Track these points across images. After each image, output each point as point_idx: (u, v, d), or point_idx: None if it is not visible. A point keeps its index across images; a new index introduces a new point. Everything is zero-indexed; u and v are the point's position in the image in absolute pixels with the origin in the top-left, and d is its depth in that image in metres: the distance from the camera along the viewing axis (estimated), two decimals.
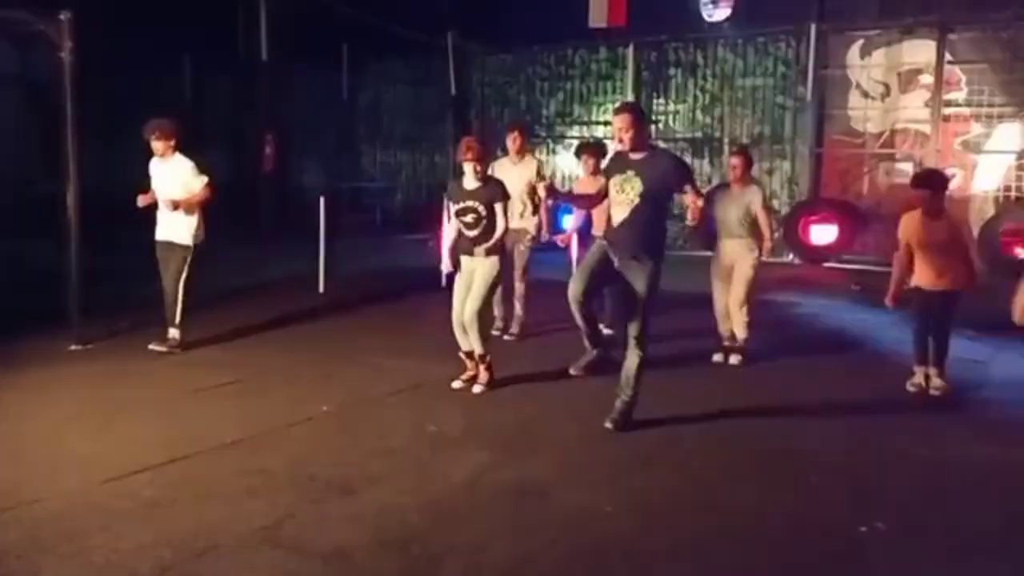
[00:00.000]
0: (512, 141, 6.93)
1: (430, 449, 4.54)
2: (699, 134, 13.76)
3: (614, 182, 4.69)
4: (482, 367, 5.58)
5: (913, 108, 12.42)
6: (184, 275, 6.38)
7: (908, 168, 12.52)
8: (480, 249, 5.47)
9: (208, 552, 3.32)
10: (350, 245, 10.34)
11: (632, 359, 4.71)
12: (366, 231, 14.56)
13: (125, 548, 3.33)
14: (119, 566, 3.20)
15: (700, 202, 4.60)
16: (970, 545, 3.54)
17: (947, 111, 12.03)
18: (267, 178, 13.89)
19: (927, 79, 12.19)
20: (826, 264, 12.20)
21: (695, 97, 13.81)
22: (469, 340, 5.55)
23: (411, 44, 14.48)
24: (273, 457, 4.35)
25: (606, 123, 14.51)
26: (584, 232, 7.76)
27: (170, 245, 6.40)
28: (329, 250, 9.37)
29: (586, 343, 5.01)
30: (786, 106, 13.16)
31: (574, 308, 4.78)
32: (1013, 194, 11.72)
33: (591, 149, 7.09)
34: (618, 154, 4.78)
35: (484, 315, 5.60)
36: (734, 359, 6.21)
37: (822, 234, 12.41)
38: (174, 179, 6.36)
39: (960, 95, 12.04)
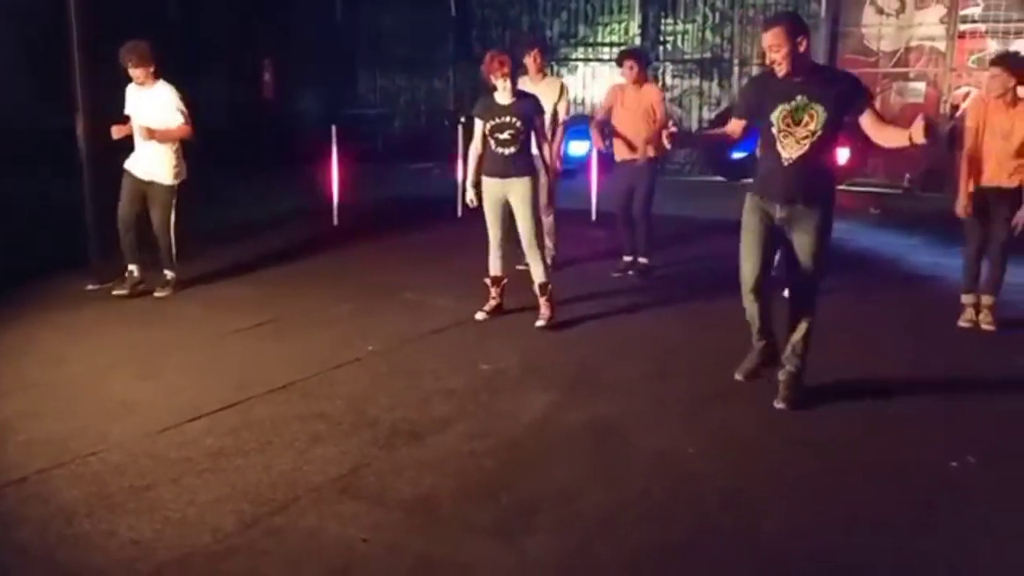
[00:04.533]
0: (532, 60, 6.52)
1: (489, 390, 4.39)
2: (708, 55, 13.34)
3: (780, 112, 3.83)
4: (543, 299, 5.37)
5: (928, 25, 12.06)
6: (172, 217, 6.05)
7: (921, 87, 12.28)
8: (517, 168, 5.22)
9: (289, 505, 3.18)
10: (353, 174, 9.99)
11: (799, 326, 4.04)
12: (367, 159, 14.14)
13: (201, 501, 3.19)
14: (199, 522, 3.05)
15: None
16: None
17: (962, 27, 11.70)
18: (266, 106, 13.36)
19: None
20: (839, 187, 12.03)
21: (704, 16, 13.34)
22: (531, 269, 5.36)
23: None
24: (329, 401, 4.19)
25: (611, 44, 14.05)
26: (606, 157, 7.46)
27: (150, 185, 6.01)
28: (331, 181, 9.03)
29: (755, 340, 4.21)
30: None
31: (749, 301, 4.06)
32: None
33: (635, 55, 6.64)
34: (770, 77, 3.90)
35: (541, 236, 5.37)
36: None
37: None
38: (155, 108, 5.89)
39: (976, 11, 11.69)
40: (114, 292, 6.07)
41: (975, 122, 5.34)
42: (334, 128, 9.03)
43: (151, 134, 5.81)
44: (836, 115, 3.79)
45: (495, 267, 5.49)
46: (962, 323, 5.49)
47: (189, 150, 6.11)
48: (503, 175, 5.27)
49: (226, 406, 4.11)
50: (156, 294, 6.10)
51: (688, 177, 12.85)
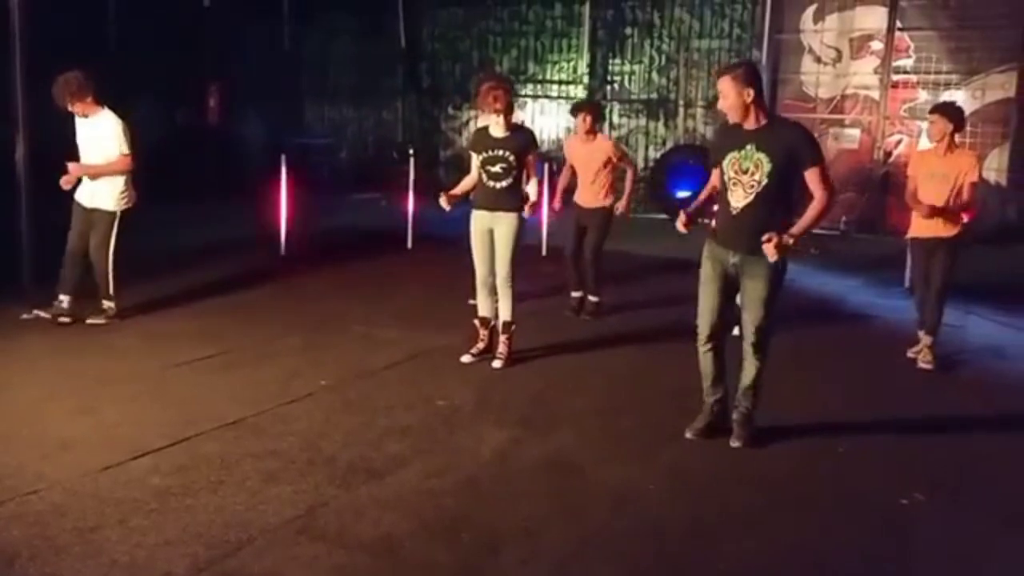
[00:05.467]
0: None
1: (446, 426, 4.34)
2: (654, 95, 13.66)
3: (730, 159, 3.94)
4: (503, 337, 5.33)
5: (863, 74, 12.59)
6: (111, 245, 5.86)
7: (856, 134, 12.79)
8: (505, 202, 5.17)
9: (244, 547, 3.07)
10: (301, 204, 9.86)
11: (751, 368, 4.08)
12: (314, 189, 14.00)
13: (150, 544, 3.06)
14: (148, 566, 2.92)
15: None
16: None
17: (895, 78, 12.25)
18: (211, 132, 13.13)
19: (877, 45, 12.37)
20: None
21: (651, 58, 13.68)
22: (497, 306, 5.32)
23: None
24: (283, 438, 4.08)
25: (560, 82, 14.31)
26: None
27: (95, 213, 5.85)
28: (280, 209, 8.90)
29: (706, 395, 4.22)
30: None
31: (704, 352, 4.12)
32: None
33: (590, 107, 6.76)
34: (730, 126, 3.99)
35: (515, 277, 5.28)
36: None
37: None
38: (100, 139, 5.75)
39: (908, 62, 12.27)
40: (35, 312, 5.85)
41: (914, 171, 5.65)
42: (283, 156, 8.95)
43: (86, 171, 5.70)
44: (783, 167, 3.82)
45: (484, 308, 5.40)
46: (910, 354, 5.72)
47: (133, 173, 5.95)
48: (492, 208, 5.22)
49: (172, 443, 3.97)
50: (88, 320, 5.87)
51: (633, 214, 13.05)
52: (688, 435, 4.21)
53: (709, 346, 4.14)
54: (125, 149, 5.76)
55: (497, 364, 5.30)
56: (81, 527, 3.16)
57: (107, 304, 5.98)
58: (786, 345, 6.03)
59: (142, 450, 3.85)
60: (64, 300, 5.89)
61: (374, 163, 15.19)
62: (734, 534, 3.31)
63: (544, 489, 3.64)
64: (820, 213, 3.84)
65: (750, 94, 3.82)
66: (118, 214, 5.86)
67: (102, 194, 5.84)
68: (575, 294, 6.81)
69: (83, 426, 4.16)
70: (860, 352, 6.08)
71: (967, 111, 11.74)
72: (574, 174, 6.75)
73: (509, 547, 3.13)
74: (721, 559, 3.12)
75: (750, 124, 3.89)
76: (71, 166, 5.73)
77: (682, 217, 4.11)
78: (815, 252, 10.41)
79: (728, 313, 4.18)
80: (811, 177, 3.85)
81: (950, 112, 5.54)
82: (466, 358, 5.38)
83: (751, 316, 4.04)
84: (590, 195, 6.57)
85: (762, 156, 3.83)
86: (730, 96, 3.83)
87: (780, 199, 3.91)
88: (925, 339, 5.65)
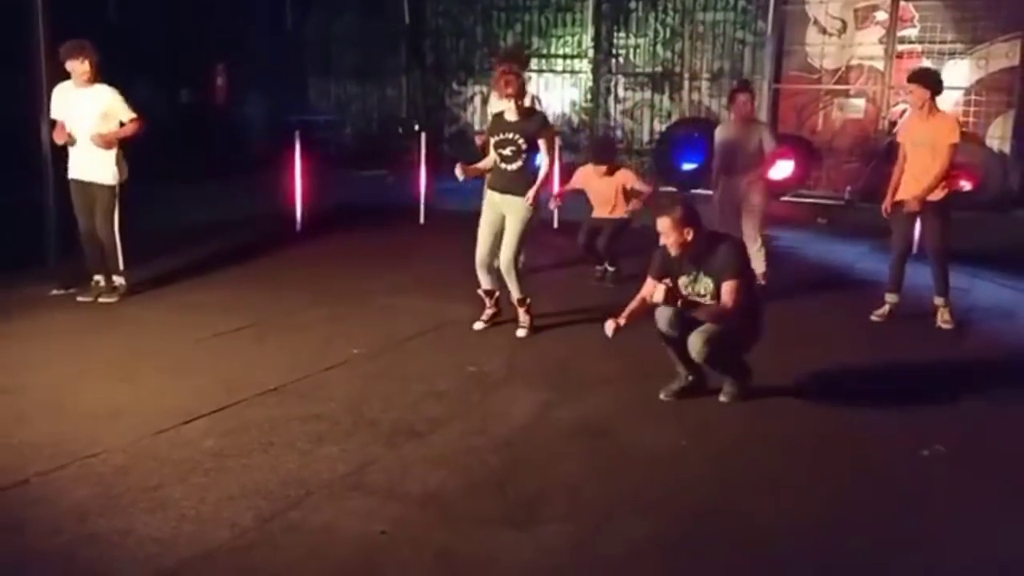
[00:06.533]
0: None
1: (479, 390, 4.50)
2: (659, 69, 13.70)
3: (683, 282, 4.28)
4: (522, 310, 5.47)
5: (868, 44, 12.63)
6: (116, 219, 5.84)
7: (861, 104, 12.87)
8: (516, 186, 5.28)
9: (303, 501, 3.23)
10: (308, 181, 9.94)
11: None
12: (319, 166, 14.07)
13: (213, 499, 3.21)
14: (215, 519, 3.08)
15: None
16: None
17: (900, 48, 12.30)
18: (218, 111, 13.17)
19: (882, 15, 12.41)
20: (782, 199, 12.50)
21: (656, 31, 13.69)
22: (504, 284, 5.44)
23: None
24: (324, 403, 4.23)
25: (565, 56, 14.34)
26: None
27: (93, 187, 5.83)
28: (289, 186, 9.00)
29: (679, 369, 4.46)
30: (746, 41, 13.22)
31: (669, 340, 4.32)
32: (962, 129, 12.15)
33: (605, 148, 7.15)
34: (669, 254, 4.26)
35: (519, 260, 5.40)
36: None
37: (779, 169, 12.63)
38: (94, 110, 5.69)
39: (913, 32, 12.32)
40: (79, 299, 5.96)
41: (902, 138, 5.86)
42: (297, 133, 9.03)
43: (102, 139, 5.66)
44: (718, 282, 4.14)
45: (485, 281, 5.53)
46: (874, 317, 5.90)
47: (135, 153, 5.97)
48: (503, 190, 5.35)
49: (219, 408, 4.12)
50: (101, 300, 5.91)
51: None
52: (662, 396, 4.38)
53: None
54: (133, 114, 5.77)
55: (521, 333, 5.44)
56: (144, 486, 3.31)
57: (118, 280, 6.01)
58: (800, 310, 6.21)
59: (191, 415, 4.01)
60: (100, 279, 6.00)
61: (379, 140, 15.24)
62: (764, 492, 3.47)
63: (579, 449, 3.80)
64: (719, 310, 4.08)
65: (690, 233, 4.11)
66: (117, 187, 5.84)
67: (99, 168, 5.78)
68: (599, 267, 6.96)
69: (128, 395, 4.30)
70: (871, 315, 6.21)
71: (971, 80, 12.03)
72: (580, 191, 6.92)
73: (552, 502, 3.29)
74: (755, 515, 3.27)
75: (688, 255, 4.19)
76: (100, 135, 5.65)
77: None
78: (822, 221, 10.55)
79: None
80: (725, 288, 4.09)
81: (926, 79, 5.69)
82: (478, 325, 5.53)
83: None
84: (606, 212, 6.78)
85: (709, 280, 4.17)
86: (672, 235, 4.13)
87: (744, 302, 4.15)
88: (937, 300, 5.81)
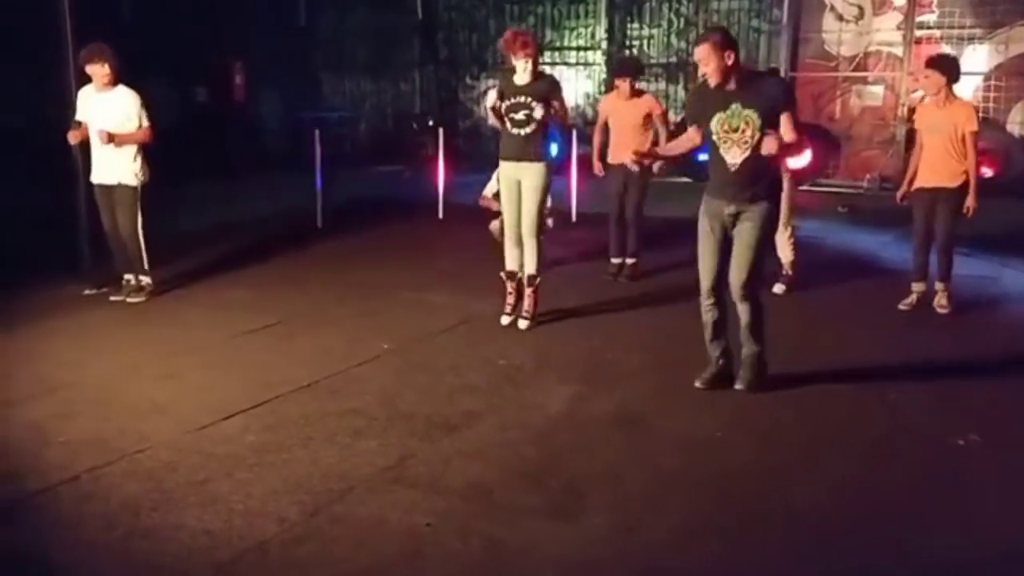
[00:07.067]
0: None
1: (511, 383, 4.54)
2: (673, 59, 13.69)
3: (718, 120, 4.08)
4: (528, 291, 5.42)
5: (886, 31, 12.58)
6: (139, 220, 5.91)
7: (880, 91, 12.81)
8: (531, 152, 5.23)
9: (346, 494, 3.29)
10: (325, 177, 10.00)
11: (745, 312, 4.24)
12: (334, 162, 14.13)
13: (259, 494, 3.28)
14: (263, 512, 3.14)
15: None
16: None
17: (918, 33, 12.23)
18: (237, 109, 13.25)
19: (900, 1, 12.33)
20: (800, 187, 12.44)
21: (669, 21, 13.70)
22: (523, 258, 5.42)
23: None
24: (359, 397, 4.29)
25: (578, 48, 14.34)
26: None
27: (115, 189, 5.90)
28: (308, 182, 9.07)
29: (710, 351, 4.40)
30: (761, 29, 13.19)
31: (706, 307, 4.29)
32: (980, 115, 12.07)
33: (627, 69, 6.73)
34: (707, 88, 4.12)
35: (542, 229, 5.36)
36: (778, 288, 6.28)
37: (797, 158, 12.58)
38: (114, 111, 5.78)
39: (931, 17, 12.25)
40: (111, 298, 6.05)
41: (919, 124, 5.89)
42: (316, 131, 9.10)
43: (111, 138, 5.72)
44: (770, 118, 4.03)
45: (511, 260, 5.48)
46: (902, 306, 5.93)
47: (154, 152, 6.03)
48: (517, 158, 5.28)
49: (257, 404, 4.18)
50: (129, 300, 5.99)
51: (655, 179, 13.15)
52: (697, 384, 4.38)
53: (712, 300, 4.31)
54: (147, 122, 5.84)
55: (523, 325, 5.41)
56: (192, 480, 3.38)
57: (144, 280, 6.09)
58: (827, 299, 6.23)
59: (230, 411, 4.07)
60: (130, 279, 6.09)
61: (393, 135, 15.29)
62: (801, 477, 3.50)
63: (615, 439, 3.84)
64: (793, 144, 4.07)
65: (731, 56, 3.98)
66: (139, 188, 5.90)
67: (121, 169, 5.86)
68: (615, 260, 6.94)
69: (169, 391, 4.38)
70: (896, 304, 6.21)
71: (991, 65, 11.93)
72: (606, 132, 6.83)
73: (594, 492, 3.34)
74: (794, 500, 3.31)
75: (731, 85, 4.05)
76: (101, 132, 5.69)
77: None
78: (843, 210, 10.52)
79: (726, 271, 4.28)
80: (784, 120, 4.05)
81: (943, 65, 5.68)
82: (504, 319, 5.51)
83: (743, 260, 4.19)
84: (631, 144, 6.61)
85: (750, 112, 4.03)
86: (712, 61, 3.99)
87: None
88: (939, 286, 5.86)
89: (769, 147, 3.97)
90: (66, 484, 3.36)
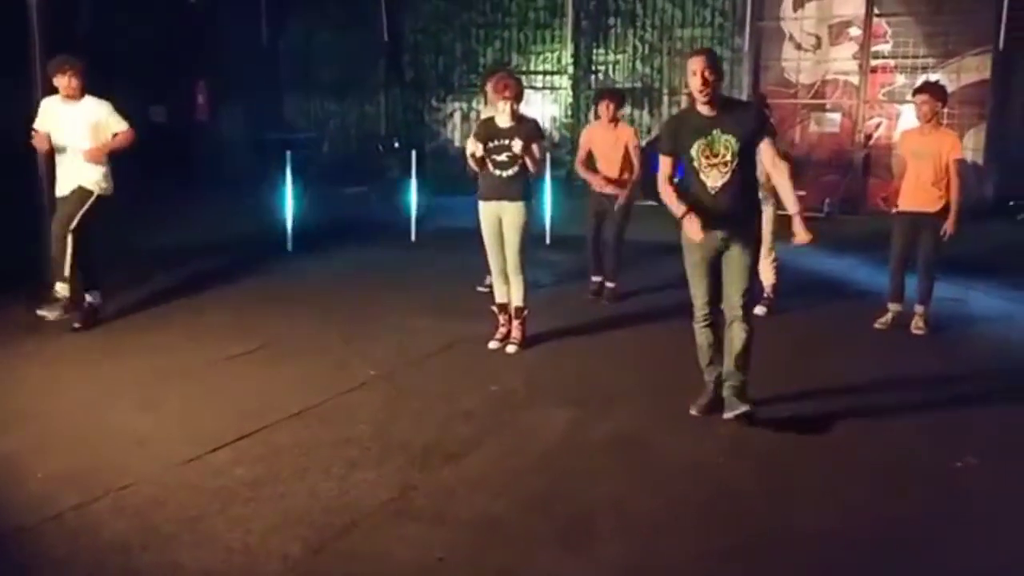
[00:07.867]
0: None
1: (507, 409, 4.47)
2: (639, 84, 13.85)
3: (698, 146, 4.07)
4: (516, 322, 5.47)
5: (842, 60, 12.92)
6: (77, 220, 5.54)
7: (837, 118, 13.13)
8: (512, 192, 5.28)
9: (350, 530, 3.17)
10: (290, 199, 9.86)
11: (741, 334, 4.18)
12: (298, 184, 13.92)
13: (258, 530, 3.14)
14: (264, 551, 3.01)
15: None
16: None
17: (874, 63, 12.59)
18: (199, 128, 13.01)
19: (856, 31, 12.69)
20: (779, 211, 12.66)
21: (634, 47, 13.86)
22: (510, 292, 5.45)
23: None
24: (351, 426, 4.17)
25: (544, 73, 14.42)
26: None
27: (73, 192, 5.62)
28: (272, 203, 8.91)
29: (706, 376, 4.37)
30: (723, 57, 13.35)
31: (701, 328, 4.29)
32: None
33: (611, 95, 6.86)
34: (685, 116, 4.25)
35: (526, 265, 5.40)
36: (759, 310, 6.32)
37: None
38: (83, 124, 5.58)
39: (886, 47, 12.62)
40: (37, 312, 5.65)
41: (903, 149, 6.02)
42: (288, 154, 8.95)
43: (90, 154, 5.54)
44: (748, 143, 4.07)
45: (500, 294, 5.53)
46: (877, 324, 6.06)
47: (114, 168, 5.82)
48: (498, 197, 5.34)
49: (245, 435, 4.04)
50: (39, 312, 5.57)
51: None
52: (693, 412, 4.34)
53: (707, 322, 4.32)
54: (125, 123, 5.67)
55: (511, 349, 5.41)
56: (183, 517, 3.23)
57: (59, 287, 5.57)
58: (806, 321, 6.29)
59: (217, 443, 3.92)
60: (63, 289, 5.65)
61: (357, 157, 15.14)
62: (805, 501, 3.50)
63: (618, 464, 3.79)
64: (791, 180, 4.19)
65: (716, 76, 4.02)
66: (95, 195, 5.66)
67: (85, 175, 5.64)
68: (595, 278, 6.95)
69: (150, 422, 4.20)
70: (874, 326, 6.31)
71: None
72: (590, 160, 6.86)
73: (602, 518, 3.28)
74: (802, 524, 3.29)
75: (709, 110, 4.08)
76: (90, 151, 5.51)
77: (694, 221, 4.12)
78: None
79: (719, 292, 4.29)
80: (765, 147, 4.12)
81: (936, 91, 5.85)
82: (493, 344, 5.50)
83: (739, 285, 4.20)
84: (612, 173, 6.67)
85: (729, 138, 4.05)
86: (706, 72, 3.98)
87: (751, 170, 4.22)
88: (917, 308, 5.99)
89: (801, 239, 4.15)
90: (50, 521, 3.18)
